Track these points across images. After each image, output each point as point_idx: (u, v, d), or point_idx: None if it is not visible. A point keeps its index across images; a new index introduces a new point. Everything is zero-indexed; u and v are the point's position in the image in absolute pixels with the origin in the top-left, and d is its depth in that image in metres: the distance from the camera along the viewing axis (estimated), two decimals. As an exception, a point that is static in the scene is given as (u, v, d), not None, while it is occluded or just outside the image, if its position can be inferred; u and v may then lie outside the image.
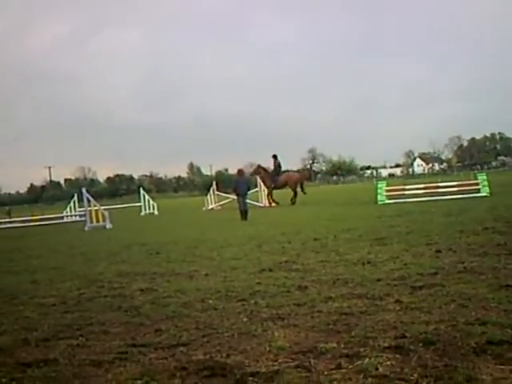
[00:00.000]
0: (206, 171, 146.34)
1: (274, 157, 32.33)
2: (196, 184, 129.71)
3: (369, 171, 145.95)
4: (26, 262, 12.23)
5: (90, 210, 24.57)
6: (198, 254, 10.93)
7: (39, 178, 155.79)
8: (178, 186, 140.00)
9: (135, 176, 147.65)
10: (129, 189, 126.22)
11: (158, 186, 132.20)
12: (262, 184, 32.32)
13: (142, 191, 38.46)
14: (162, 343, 4.80)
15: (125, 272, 9.16)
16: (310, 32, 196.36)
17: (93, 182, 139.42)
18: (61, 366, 4.42)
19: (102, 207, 25.96)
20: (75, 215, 30.89)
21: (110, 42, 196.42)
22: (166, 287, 7.49)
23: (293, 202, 30.32)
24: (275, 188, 31.67)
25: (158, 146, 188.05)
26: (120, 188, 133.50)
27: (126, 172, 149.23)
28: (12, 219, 36.56)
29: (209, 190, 36.49)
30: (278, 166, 32.29)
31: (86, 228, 23.45)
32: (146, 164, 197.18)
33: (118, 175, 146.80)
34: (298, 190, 31.45)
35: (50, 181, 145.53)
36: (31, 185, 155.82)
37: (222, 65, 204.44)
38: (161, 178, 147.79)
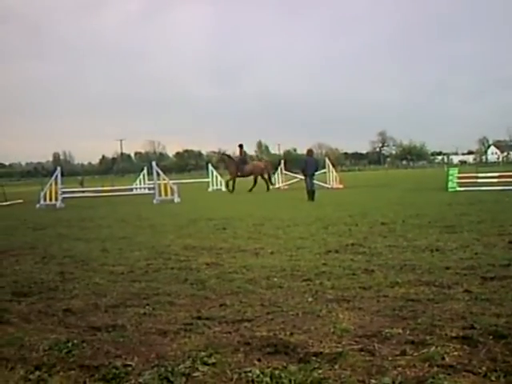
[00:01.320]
0: (273, 150, 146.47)
1: (240, 146, 32.01)
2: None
3: (440, 157, 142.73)
4: (96, 230, 12.58)
5: (159, 184, 24.96)
6: (264, 231, 10.97)
7: (111, 151, 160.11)
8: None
9: (204, 152, 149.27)
10: (197, 164, 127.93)
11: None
12: (330, 165, 31.94)
13: (210, 167, 38.77)
14: (226, 317, 4.85)
15: (191, 246, 9.30)
16: (381, 12, 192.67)
17: (162, 157, 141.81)
18: (128, 332, 4.54)
19: (171, 181, 26.32)
20: (144, 188, 31.55)
21: (181, 18, 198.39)
22: (232, 263, 7.55)
23: (250, 190, 30.08)
24: (241, 176, 31.29)
25: (226, 123, 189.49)
26: (188, 163, 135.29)
27: (195, 148, 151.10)
28: (84, 189, 37.71)
29: (276, 169, 36.48)
30: (244, 155, 32.20)
31: (155, 201, 23.86)
32: (214, 140, 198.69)
33: (186, 150, 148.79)
34: (260, 181, 31.16)
35: (121, 153, 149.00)
36: (103, 156, 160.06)
37: (292, 43, 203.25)
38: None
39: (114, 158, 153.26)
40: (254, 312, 5.00)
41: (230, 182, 30.83)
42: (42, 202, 24.11)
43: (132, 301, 5.60)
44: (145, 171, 36.20)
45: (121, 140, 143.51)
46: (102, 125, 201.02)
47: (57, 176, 24.70)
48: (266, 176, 31.51)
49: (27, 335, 4.51)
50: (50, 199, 24.28)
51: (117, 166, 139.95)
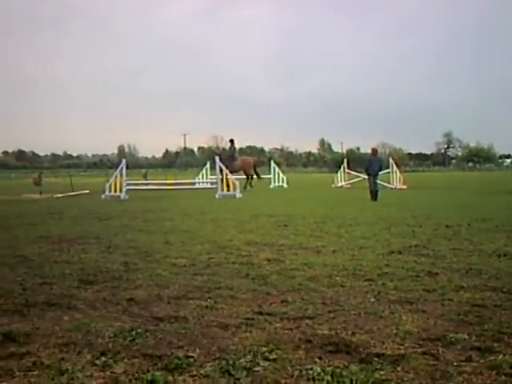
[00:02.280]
0: (336, 148, 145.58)
1: (231, 141, 31.33)
2: (326, 160, 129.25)
3: (508, 160, 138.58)
4: (159, 223, 12.79)
5: (222, 179, 25.16)
6: (326, 229, 10.91)
7: (174, 145, 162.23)
8: (307, 161, 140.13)
9: (266, 148, 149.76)
10: (259, 160, 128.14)
11: (288, 160, 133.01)
12: (394, 165, 31.46)
13: (272, 164, 38.82)
14: (287, 314, 4.85)
15: (253, 241, 9.34)
16: (446, 11, 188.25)
17: (224, 152, 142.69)
18: (190, 324, 4.59)
19: (233, 177, 26.47)
20: (207, 182, 31.82)
21: (247, 15, 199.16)
22: (293, 259, 7.54)
23: (249, 186, 29.70)
24: (231, 172, 29.41)
25: (290, 120, 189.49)
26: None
27: (258, 144, 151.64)
28: (148, 182, 38.37)
29: (339, 168, 36.24)
30: (234, 150, 31.28)
31: (217, 195, 24.05)
32: (277, 137, 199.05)
33: (249, 146, 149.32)
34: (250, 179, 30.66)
35: (184, 147, 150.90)
36: (166, 150, 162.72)
37: (356, 42, 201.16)
38: (291, 152, 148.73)
39: (177, 152, 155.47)
40: (316, 310, 4.98)
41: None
42: (107, 193, 24.66)
43: (194, 293, 5.66)
44: (207, 166, 36.48)
45: (184, 134, 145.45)
46: (166, 119, 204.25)
47: (122, 168, 25.21)
48: (252, 172, 30.90)
49: (93, 322, 4.63)
50: (115, 190, 24.81)
51: (180, 160, 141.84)
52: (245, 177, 31.18)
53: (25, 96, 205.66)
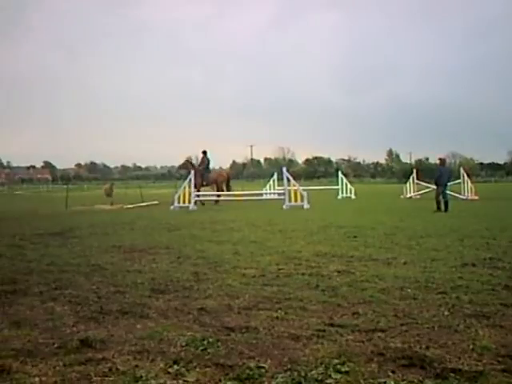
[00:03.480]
0: (405, 159, 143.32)
1: (204, 153, 29.41)
2: (394, 171, 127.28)
3: None
4: (228, 233, 12.88)
5: (289, 190, 25.14)
6: (396, 241, 10.72)
7: (241, 156, 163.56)
8: (375, 171, 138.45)
9: (333, 159, 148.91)
10: (326, 171, 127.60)
11: (356, 171, 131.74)
12: (465, 175, 30.55)
13: (340, 174, 38.54)
14: (359, 326, 4.79)
15: (322, 252, 9.27)
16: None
17: (291, 163, 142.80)
18: (261, 334, 4.59)
19: (300, 188, 26.42)
20: (274, 193, 31.86)
21: (309, 25, 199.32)
22: (364, 271, 7.45)
23: (216, 202, 27.99)
24: (206, 185, 28.91)
25: (356, 130, 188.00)
26: (318, 170, 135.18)
27: (325, 155, 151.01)
28: (215, 193, 38.72)
29: (408, 178, 35.65)
30: (208, 162, 29.38)
31: (284, 206, 24.01)
32: (344, 148, 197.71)
33: (316, 157, 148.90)
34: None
35: (251, 159, 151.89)
36: (233, 161, 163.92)
37: (425, 50, 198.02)
38: (358, 163, 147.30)
39: (244, 164, 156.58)
40: (388, 322, 4.89)
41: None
42: (175, 204, 25.04)
43: (264, 304, 5.67)
44: (275, 177, 36.55)
45: (251, 146, 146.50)
46: (233, 130, 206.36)
47: (190, 179, 25.58)
48: (224, 186, 29.47)
49: (165, 330, 4.70)
50: (184, 201, 25.17)
51: (246, 171, 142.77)
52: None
53: (96, 110, 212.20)
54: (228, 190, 29.66)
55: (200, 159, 29.46)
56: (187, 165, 29.50)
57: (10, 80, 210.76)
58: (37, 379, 3.64)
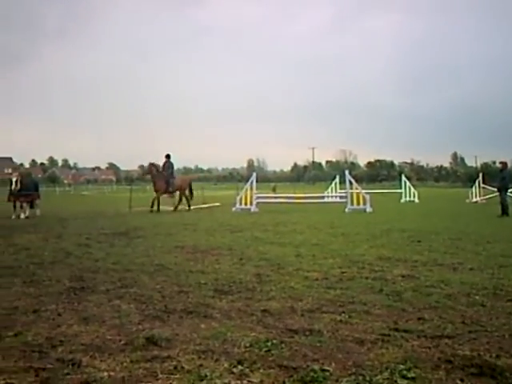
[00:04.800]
0: (470, 162, 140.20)
1: (168, 156, 26.74)
2: (459, 175, 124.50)
3: None
4: (290, 236, 12.86)
5: (352, 193, 24.94)
6: (462, 246, 10.47)
7: (302, 158, 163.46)
8: (439, 175, 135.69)
9: (396, 162, 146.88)
10: (389, 175, 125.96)
11: (419, 174, 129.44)
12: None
13: (403, 178, 38.04)
14: (425, 332, 4.69)
15: (385, 256, 9.15)
16: None
17: (353, 166, 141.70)
18: (325, 337, 4.56)
19: (363, 191, 26.16)
20: (336, 196, 31.65)
21: (371, 27, 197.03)
22: (428, 276, 7.30)
23: (181, 206, 26.13)
24: (170, 192, 26.44)
25: (420, 133, 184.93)
26: (380, 173, 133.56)
27: (387, 157, 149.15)
28: (277, 195, 38.79)
29: (473, 182, 34.83)
30: (171, 167, 26.78)
31: (346, 210, 23.83)
32: (407, 151, 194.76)
33: (378, 160, 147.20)
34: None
35: (313, 161, 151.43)
36: (295, 164, 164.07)
37: (489, 50, 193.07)
38: (422, 166, 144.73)
39: (305, 166, 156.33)
40: (455, 329, 4.78)
41: (156, 200, 25.19)
42: (237, 205, 25.21)
43: (327, 307, 5.63)
44: (337, 179, 36.34)
45: (313, 148, 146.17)
46: (294, 133, 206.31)
47: (252, 181, 25.69)
48: (188, 192, 27.18)
49: (229, 331, 4.73)
50: (245, 203, 25.30)
51: (308, 174, 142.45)
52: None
53: (159, 112, 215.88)
54: (191, 196, 27.44)
55: (163, 164, 26.77)
56: (152, 169, 26.69)
57: (77, 83, 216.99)
58: (105, 374, 3.72)
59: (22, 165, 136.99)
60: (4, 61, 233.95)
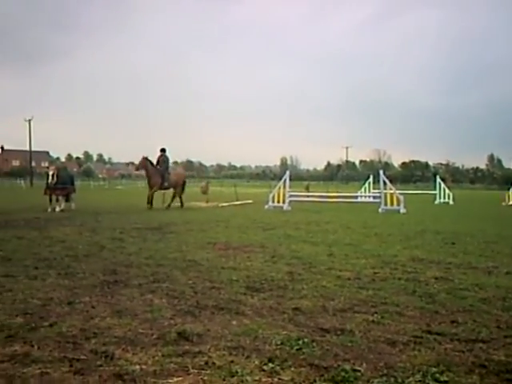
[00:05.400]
0: (507, 164, 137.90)
1: (163, 150, 25.38)
2: (495, 177, 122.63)
3: None
4: (322, 235, 12.81)
5: (385, 193, 24.74)
6: (498, 250, 10.30)
7: (336, 157, 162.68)
8: (475, 177, 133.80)
9: (430, 163, 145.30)
10: (423, 175, 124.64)
11: (454, 176, 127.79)
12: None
13: (438, 179, 37.62)
14: (458, 335, 4.63)
15: (419, 258, 9.06)
16: None
17: (387, 166, 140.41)
18: (356, 337, 4.53)
19: (397, 191, 25.92)
20: (369, 196, 31.44)
21: (409, 25, 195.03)
22: (463, 279, 7.20)
23: (168, 206, 24.72)
24: (166, 188, 25.25)
25: (455, 133, 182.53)
26: (414, 174, 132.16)
27: (422, 158, 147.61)
28: (310, 194, 38.68)
29: (511, 185, 34.28)
30: (167, 161, 25.50)
31: (380, 210, 23.65)
32: (442, 152, 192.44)
33: (413, 161, 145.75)
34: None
35: (346, 161, 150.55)
36: (328, 163, 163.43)
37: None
38: (457, 168, 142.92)
39: (338, 165, 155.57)
40: (490, 333, 4.70)
41: (151, 197, 23.83)
42: (270, 203, 25.18)
43: (359, 307, 5.59)
44: (370, 179, 36.09)
45: (347, 147, 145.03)
46: (328, 132, 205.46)
47: (285, 180, 25.65)
48: (181, 189, 26.00)
49: (260, 328, 4.73)
50: (278, 201, 25.26)
51: (341, 173, 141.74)
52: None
53: (193, 109, 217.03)
54: (183, 191, 26.40)
55: (157, 158, 25.32)
56: (145, 164, 24.94)
57: (114, 81, 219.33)
58: (137, 367, 3.76)
59: (58, 159, 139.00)
60: (39, 56, 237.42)
